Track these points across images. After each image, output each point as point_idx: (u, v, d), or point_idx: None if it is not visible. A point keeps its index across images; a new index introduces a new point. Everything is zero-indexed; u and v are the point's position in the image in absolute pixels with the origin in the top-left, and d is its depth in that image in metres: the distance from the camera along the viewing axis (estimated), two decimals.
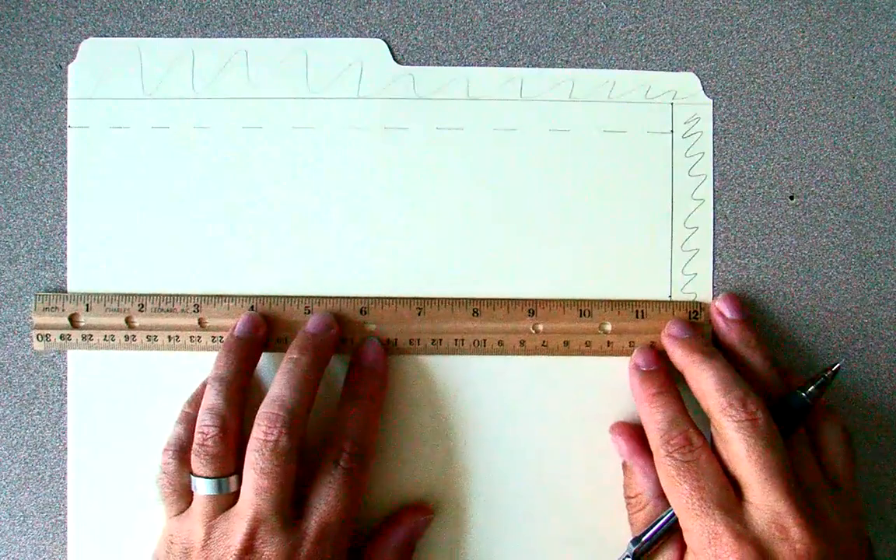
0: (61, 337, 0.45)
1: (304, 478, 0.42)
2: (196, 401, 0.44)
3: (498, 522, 0.46)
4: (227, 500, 0.41)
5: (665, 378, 0.44)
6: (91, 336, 0.45)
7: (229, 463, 0.41)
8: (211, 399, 0.42)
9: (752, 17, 0.47)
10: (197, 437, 0.41)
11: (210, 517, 0.40)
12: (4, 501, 0.46)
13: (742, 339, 0.44)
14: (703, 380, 0.41)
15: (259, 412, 0.41)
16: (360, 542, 0.44)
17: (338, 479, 0.41)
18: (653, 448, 0.42)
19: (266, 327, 0.45)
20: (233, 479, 0.41)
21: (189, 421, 0.43)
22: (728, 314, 0.45)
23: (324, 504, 0.40)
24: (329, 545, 0.40)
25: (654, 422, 0.42)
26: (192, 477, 0.41)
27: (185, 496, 0.42)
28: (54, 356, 0.46)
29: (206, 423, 0.41)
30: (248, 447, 0.40)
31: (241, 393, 0.42)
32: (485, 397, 0.46)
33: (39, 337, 0.45)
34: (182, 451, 0.43)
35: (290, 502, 0.41)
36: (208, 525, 0.40)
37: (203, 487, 0.41)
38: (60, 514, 0.46)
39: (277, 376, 0.42)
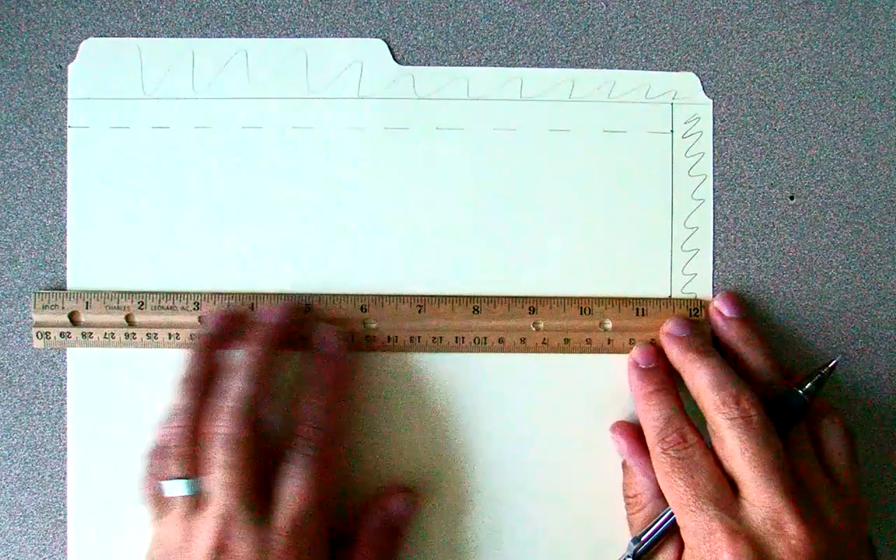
0: (61, 334, 0.45)
1: (272, 473, 0.41)
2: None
3: (497, 521, 0.46)
4: (198, 500, 0.40)
5: (663, 376, 0.44)
6: (91, 334, 0.45)
7: (198, 463, 0.41)
8: (183, 401, 0.42)
9: (752, 17, 0.47)
10: (167, 440, 0.41)
11: (186, 518, 0.40)
12: (4, 501, 0.46)
13: (741, 337, 0.44)
14: (698, 377, 0.42)
15: (217, 407, 0.41)
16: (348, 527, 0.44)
17: (301, 467, 0.41)
18: (649, 445, 0.42)
19: (230, 324, 0.44)
20: (205, 478, 0.40)
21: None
22: (727, 312, 0.45)
23: (291, 495, 0.40)
24: (304, 537, 0.40)
25: (651, 419, 0.43)
26: (164, 482, 0.41)
27: (167, 499, 0.42)
28: (54, 356, 0.46)
29: (173, 425, 0.41)
30: (207, 444, 0.40)
31: (209, 393, 0.42)
32: (485, 395, 0.46)
33: (39, 334, 0.45)
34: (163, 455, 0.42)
35: (258, 495, 0.40)
36: (185, 527, 0.40)
37: (175, 489, 0.41)
38: (60, 514, 0.46)
39: (235, 370, 0.42)
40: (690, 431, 0.41)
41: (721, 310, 0.45)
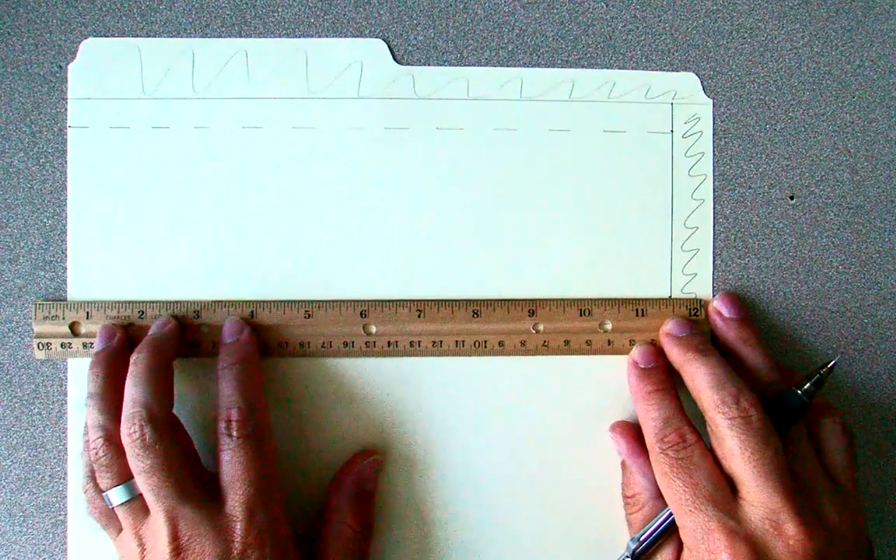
0: (62, 345, 0.45)
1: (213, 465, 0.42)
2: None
3: (497, 522, 0.46)
4: (141, 504, 0.41)
5: (662, 375, 0.44)
6: (92, 344, 0.44)
7: (127, 467, 0.41)
8: (91, 417, 0.42)
9: (752, 17, 0.47)
10: (91, 456, 0.41)
11: (135, 526, 0.41)
12: (4, 501, 0.46)
13: (740, 338, 0.44)
14: (698, 377, 0.42)
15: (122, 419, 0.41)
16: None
17: (238, 451, 0.41)
18: (648, 445, 0.43)
19: (124, 333, 0.44)
20: (133, 482, 0.41)
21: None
22: (726, 313, 0.45)
23: (236, 481, 0.40)
24: (260, 517, 0.40)
25: (650, 419, 0.43)
26: (104, 495, 0.41)
27: (115, 514, 0.42)
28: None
29: (92, 439, 0.41)
30: (124, 453, 0.40)
31: (118, 402, 0.42)
32: (486, 398, 0.46)
33: (40, 345, 0.45)
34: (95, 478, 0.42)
35: (197, 488, 0.40)
36: (138, 535, 0.40)
37: (114, 498, 0.41)
38: (60, 514, 0.46)
39: (126, 381, 0.42)
40: (689, 431, 0.41)
41: (720, 310, 0.45)
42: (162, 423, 0.40)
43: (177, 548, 0.39)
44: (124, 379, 0.42)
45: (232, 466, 0.41)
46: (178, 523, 0.39)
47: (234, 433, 0.41)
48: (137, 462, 0.40)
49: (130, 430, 0.40)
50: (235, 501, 0.40)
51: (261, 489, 0.41)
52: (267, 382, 0.45)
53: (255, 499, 0.40)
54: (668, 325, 0.45)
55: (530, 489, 0.46)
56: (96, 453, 0.41)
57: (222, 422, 0.41)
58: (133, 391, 0.41)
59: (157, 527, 0.40)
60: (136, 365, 0.42)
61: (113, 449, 0.41)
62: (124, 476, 0.41)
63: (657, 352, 0.45)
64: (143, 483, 0.40)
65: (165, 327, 0.44)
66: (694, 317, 0.46)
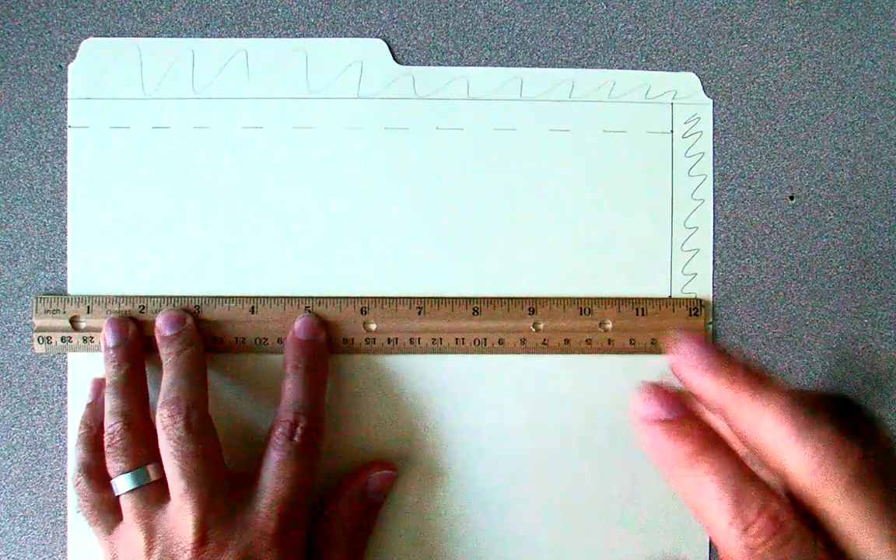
0: (62, 339, 0.45)
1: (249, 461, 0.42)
2: (85, 423, 0.43)
3: (497, 525, 0.46)
4: (153, 493, 0.40)
5: (702, 424, 0.29)
6: (92, 338, 0.44)
7: (143, 452, 0.40)
8: (110, 404, 0.41)
9: (752, 17, 0.47)
10: (106, 440, 0.41)
11: (145, 516, 0.40)
12: (4, 501, 0.46)
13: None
14: (766, 419, 0.27)
15: (158, 407, 0.40)
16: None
17: (293, 455, 0.40)
18: (718, 540, 0.28)
19: (135, 326, 0.44)
20: (151, 467, 0.40)
21: (85, 440, 0.43)
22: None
23: (281, 482, 0.40)
24: (291, 524, 0.40)
25: (709, 498, 0.28)
26: (113, 482, 0.41)
27: (111, 510, 0.41)
28: (54, 356, 0.46)
29: (110, 424, 0.41)
30: (159, 443, 0.40)
31: (137, 390, 0.42)
32: (485, 396, 0.46)
33: (40, 339, 0.45)
34: (89, 470, 0.42)
35: (227, 482, 0.40)
36: (147, 526, 0.39)
37: (124, 484, 0.40)
38: (60, 514, 0.46)
39: (164, 375, 0.42)
40: (782, 507, 0.27)
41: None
42: (204, 412, 0.41)
43: (202, 537, 0.38)
44: (143, 369, 0.43)
45: (281, 468, 0.40)
46: (208, 514, 0.38)
47: (297, 439, 0.41)
48: (178, 445, 0.39)
49: (173, 412, 0.39)
50: (271, 502, 0.40)
51: (298, 498, 0.40)
52: (266, 378, 0.45)
53: (289, 504, 0.40)
54: (686, 350, 0.30)
55: (530, 489, 0.46)
56: (112, 438, 0.40)
57: (286, 423, 0.41)
58: (175, 381, 0.41)
59: (181, 515, 0.39)
60: (180, 355, 0.42)
61: (131, 434, 0.41)
62: (138, 462, 0.40)
63: (677, 393, 0.30)
64: (178, 467, 0.39)
65: (184, 324, 0.44)
66: (695, 316, 0.46)
